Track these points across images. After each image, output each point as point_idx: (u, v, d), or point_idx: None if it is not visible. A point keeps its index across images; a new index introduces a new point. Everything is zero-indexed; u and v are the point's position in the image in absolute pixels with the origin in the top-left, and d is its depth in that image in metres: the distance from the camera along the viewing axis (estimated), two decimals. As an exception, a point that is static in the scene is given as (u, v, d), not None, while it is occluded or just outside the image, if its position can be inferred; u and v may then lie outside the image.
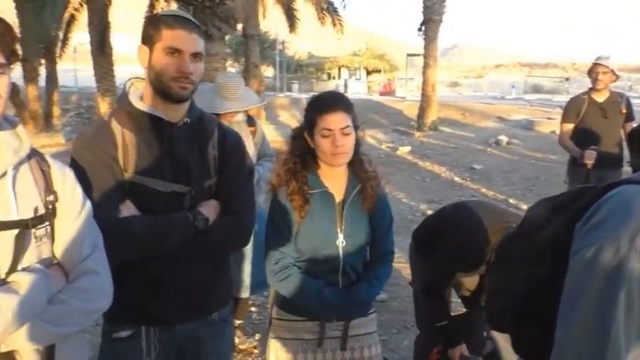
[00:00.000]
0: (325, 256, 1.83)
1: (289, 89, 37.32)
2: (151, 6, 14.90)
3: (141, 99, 1.61)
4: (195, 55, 1.55)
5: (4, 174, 1.18)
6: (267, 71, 37.97)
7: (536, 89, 33.42)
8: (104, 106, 15.01)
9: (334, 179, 1.87)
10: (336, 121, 1.76)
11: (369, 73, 46.07)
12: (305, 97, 26.67)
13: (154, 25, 1.56)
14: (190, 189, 1.62)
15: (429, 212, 6.99)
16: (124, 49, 20.08)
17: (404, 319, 3.87)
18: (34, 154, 1.27)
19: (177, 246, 1.56)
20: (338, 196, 1.86)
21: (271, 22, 26.09)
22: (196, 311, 1.70)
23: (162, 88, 1.55)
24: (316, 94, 1.93)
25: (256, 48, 16.53)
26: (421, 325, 2.68)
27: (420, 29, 16.32)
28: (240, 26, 13.55)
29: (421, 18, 16.24)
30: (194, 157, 1.64)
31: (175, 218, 1.58)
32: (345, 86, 41.35)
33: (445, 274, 2.33)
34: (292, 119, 19.71)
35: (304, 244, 1.83)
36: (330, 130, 1.76)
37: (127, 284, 1.45)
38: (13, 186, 1.19)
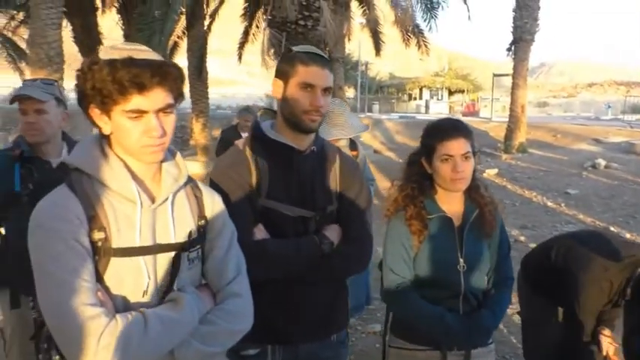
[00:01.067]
0: (446, 281, 1.85)
1: (370, 110, 37.45)
2: (245, 33, 15.64)
3: (272, 128, 1.73)
4: (326, 90, 1.65)
5: (166, 200, 1.29)
6: (349, 92, 38.44)
7: (636, 109, 31.23)
8: (198, 127, 15.87)
9: (451, 204, 1.89)
10: (457, 147, 1.80)
11: (451, 93, 45.28)
12: (385, 118, 26.82)
13: (289, 61, 1.66)
14: (315, 214, 1.71)
15: (522, 239, 6.74)
16: (214, 73, 21.16)
17: (501, 348, 3.74)
18: (189, 181, 1.38)
19: (305, 268, 1.65)
20: (456, 221, 1.89)
21: (355, 44, 26.46)
22: (319, 332, 1.77)
23: (294, 120, 1.65)
24: (433, 120, 1.96)
25: (341, 70, 16.84)
26: (530, 356, 2.60)
27: (509, 49, 15.89)
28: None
29: (510, 37, 15.82)
30: (319, 183, 1.73)
31: (304, 241, 1.66)
32: (427, 107, 40.85)
33: (564, 309, 2.24)
34: (374, 140, 19.76)
35: (424, 269, 1.86)
36: (450, 155, 1.80)
37: (257, 305, 1.54)
38: (172, 211, 1.30)
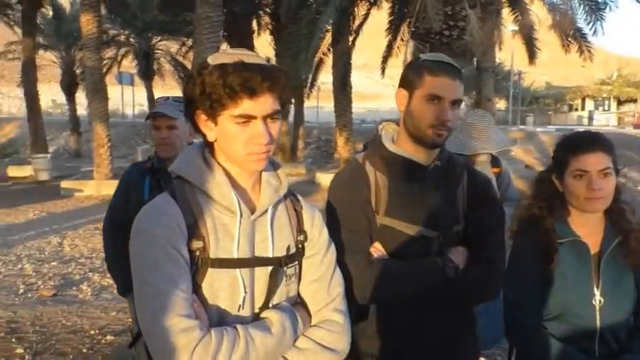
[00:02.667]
0: (578, 316, 1.60)
1: (523, 122, 35.14)
2: (389, 46, 15.71)
3: (393, 141, 1.62)
4: (455, 102, 1.50)
5: (265, 211, 1.23)
6: (499, 104, 36.51)
7: None
8: (341, 140, 16.29)
9: (587, 228, 1.64)
10: (594, 161, 1.56)
11: (620, 103, 40.63)
12: (540, 130, 24.92)
13: (416, 70, 1.54)
14: (439, 234, 1.56)
15: None
16: (359, 87, 21.56)
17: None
18: (289, 194, 1.31)
19: (425, 293, 1.51)
20: (593, 248, 1.63)
21: (507, 53, 25.07)
22: None
23: (418, 134, 1.53)
24: (567, 133, 1.73)
25: (490, 81, 16.04)
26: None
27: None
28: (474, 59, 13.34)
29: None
30: (443, 200, 1.59)
31: (425, 263, 1.53)
32: (590, 118, 37.17)
33: None
34: (526, 154, 18.41)
35: (552, 301, 1.63)
36: (585, 171, 1.56)
37: (369, 328, 1.45)
38: (271, 224, 1.23)
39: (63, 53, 24.43)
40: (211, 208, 1.19)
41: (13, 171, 15.59)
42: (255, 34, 18.59)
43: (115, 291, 5.24)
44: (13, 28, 22.15)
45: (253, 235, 1.22)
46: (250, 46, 16.52)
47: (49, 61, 25.11)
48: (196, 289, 1.15)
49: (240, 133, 1.16)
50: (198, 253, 1.15)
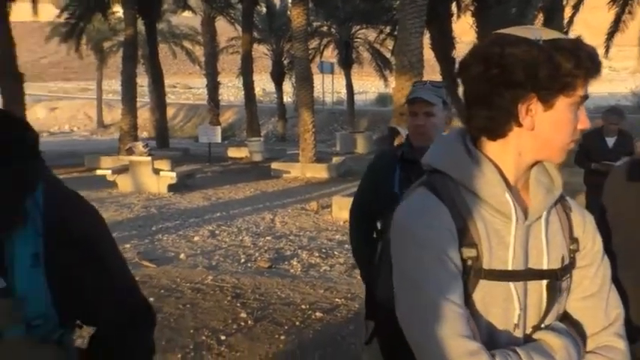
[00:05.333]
0: None
1: None
2: (616, 21, 13.82)
3: None
4: None
5: (539, 217, 1.07)
6: None
7: None
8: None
9: None
10: None
11: None
12: None
13: None
14: None
15: None
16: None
17: None
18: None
19: None
20: None
21: None
22: None
23: None
24: None
25: None
26: None
27: None
28: None
29: None
30: None
31: None
32: None
33: None
34: None
35: None
36: None
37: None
38: (546, 231, 1.07)
39: (274, 46, 26.79)
40: (481, 210, 1.04)
41: (232, 152, 17.64)
42: (455, 17, 17.95)
43: (323, 269, 5.64)
44: (234, 25, 24.99)
45: (527, 244, 1.06)
46: (448, 31, 16.03)
47: (261, 54, 27.82)
48: (467, 303, 1.02)
49: (573, 119, 1.02)
50: (470, 262, 1.02)
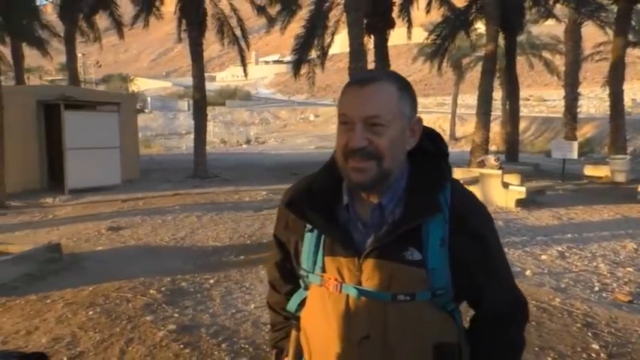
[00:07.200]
0: None
1: None
2: None
3: None
4: None
5: None
6: None
7: None
8: None
9: None
10: None
11: None
12: None
13: None
14: None
15: None
16: None
17: None
18: None
19: None
20: None
21: None
22: None
23: None
24: None
25: None
26: None
27: None
28: None
29: None
30: None
31: None
32: None
33: None
34: None
35: None
36: None
37: None
38: None
39: (652, 49, 23.11)
40: None
41: (590, 170, 16.08)
42: None
43: None
44: (604, 29, 22.58)
45: None
46: None
47: (634, 58, 24.33)
48: None
49: None
50: None
